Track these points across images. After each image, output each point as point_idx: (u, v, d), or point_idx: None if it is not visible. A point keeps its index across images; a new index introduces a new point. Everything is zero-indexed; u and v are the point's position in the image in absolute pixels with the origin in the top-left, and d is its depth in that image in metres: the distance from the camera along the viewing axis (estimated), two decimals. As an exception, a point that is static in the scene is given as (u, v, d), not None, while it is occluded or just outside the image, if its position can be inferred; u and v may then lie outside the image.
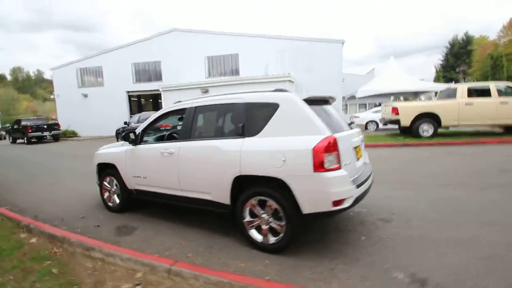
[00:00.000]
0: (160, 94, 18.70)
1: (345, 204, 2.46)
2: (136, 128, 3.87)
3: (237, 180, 2.81)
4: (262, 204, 2.74)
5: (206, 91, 16.09)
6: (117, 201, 4.16)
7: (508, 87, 9.22)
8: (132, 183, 3.85)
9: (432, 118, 9.71)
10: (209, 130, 3.35)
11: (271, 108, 2.76)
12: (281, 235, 2.65)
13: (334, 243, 2.92)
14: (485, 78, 41.58)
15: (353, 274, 2.34)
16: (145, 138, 3.94)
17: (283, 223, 2.62)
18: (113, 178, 4.15)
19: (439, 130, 9.92)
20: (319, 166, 2.38)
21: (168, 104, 16.91)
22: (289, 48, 18.03)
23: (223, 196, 2.95)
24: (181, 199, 3.34)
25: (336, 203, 2.41)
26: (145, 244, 3.08)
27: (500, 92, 9.09)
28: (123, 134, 3.78)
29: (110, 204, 4.25)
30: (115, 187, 4.17)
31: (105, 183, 4.28)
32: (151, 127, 3.87)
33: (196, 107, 3.31)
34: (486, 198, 3.97)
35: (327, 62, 17.26)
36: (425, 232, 3.06)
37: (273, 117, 2.71)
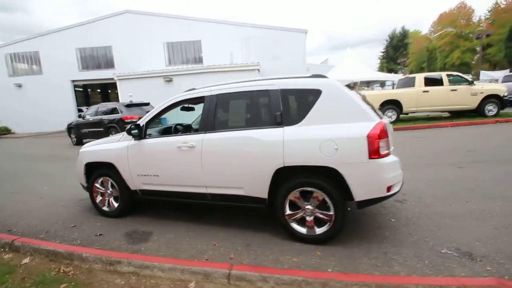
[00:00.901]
0: (111, 84, 16.95)
1: (396, 189, 2.50)
2: (136, 121, 3.38)
3: (277, 172, 2.64)
4: (305, 195, 2.64)
5: (170, 80, 15.07)
6: (115, 204, 3.63)
7: (457, 76, 10.48)
8: (137, 183, 3.38)
9: (394, 104, 10.61)
10: (238, 120, 3.07)
11: (312, 95, 2.63)
12: (329, 225, 2.59)
13: (369, 228, 2.97)
14: (420, 69, 47.02)
15: (407, 255, 2.41)
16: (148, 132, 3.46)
17: (331, 213, 2.56)
18: (108, 178, 3.60)
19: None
20: (374, 153, 2.35)
21: (124, 94, 15.48)
22: (253, 36, 17.77)
23: (260, 190, 2.76)
24: (205, 197, 3.05)
25: (389, 188, 2.43)
26: (173, 249, 2.75)
27: (450, 81, 10.29)
28: (128, 127, 3.27)
29: (105, 208, 3.70)
30: (110, 189, 3.63)
31: (97, 185, 3.69)
32: (156, 119, 3.41)
33: (217, 94, 3.00)
34: (470, 175, 4.46)
35: (292, 51, 17.48)
36: (442, 209, 3.30)
37: (316, 104, 2.59)
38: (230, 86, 3.00)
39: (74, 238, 3.13)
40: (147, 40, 18.03)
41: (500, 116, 9.90)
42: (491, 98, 9.94)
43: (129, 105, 10.51)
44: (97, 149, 3.67)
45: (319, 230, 2.63)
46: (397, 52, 60.39)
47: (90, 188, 3.74)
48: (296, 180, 2.63)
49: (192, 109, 4.13)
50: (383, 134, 2.39)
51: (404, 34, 61.69)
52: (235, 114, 3.13)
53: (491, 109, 10.05)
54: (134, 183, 3.40)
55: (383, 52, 65.93)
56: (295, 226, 2.71)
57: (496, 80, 16.48)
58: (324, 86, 2.60)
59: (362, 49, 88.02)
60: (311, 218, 2.65)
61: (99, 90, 25.75)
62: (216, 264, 2.30)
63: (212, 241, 2.87)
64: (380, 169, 2.38)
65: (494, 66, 36.73)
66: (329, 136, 2.46)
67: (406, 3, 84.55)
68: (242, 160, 2.76)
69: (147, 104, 11.30)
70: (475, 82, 10.67)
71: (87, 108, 20.21)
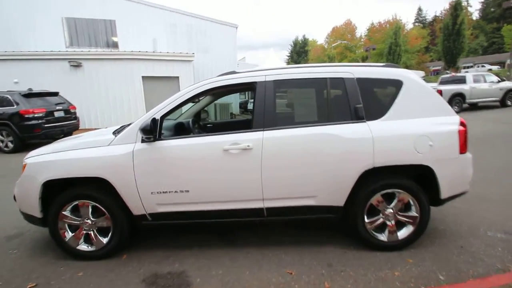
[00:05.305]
0: None
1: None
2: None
3: (362, 174, 2.27)
4: (387, 198, 2.38)
5: (78, 65, 11.99)
6: (103, 240, 2.42)
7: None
8: (148, 205, 2.34)
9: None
10: (306, 114, 2.48)
11: (393, 86, 2.37)
12: (411, 228, 2.40)
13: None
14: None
15: (479, 245, 2.47)
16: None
17: (415, 215, 2.38)
18: (88, 202, 2.36)
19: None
20: (463, 147, 2.30)
21: (4, 80, 11.42)
22: (180, 24, 16.16)
23: (338, 197, 2.32)
24: (260, 213, 2.37)
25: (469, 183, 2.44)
26: (242, 292, 1.99)
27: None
28: (143, 124, 2.17)
29: (83, 248, 2.43)
30: (92, 218, 2.40)
31: (66, 214, 2.38)
32: (173, 112, 2.43)
33: (274, 81, 2.35)
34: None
35: (223, 45, 16.82)
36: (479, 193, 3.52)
37: (398, 97, 2.33)
38: (290, 71, 2.40)
39: (53, 308, 1.89)
40: (37, 11, 13.74)
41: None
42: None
43: (29, 95, 7.69)
44: (68, 157, 2.34)
45: (401, 235, 2.41)
46: (299, 57, 67.70)
47: (53, 219, 2.37)
48: (381, 182, 2.32)
49: (197, 101, 3.22)
50: (466, 129, 2.36)
51: (305, 42, 69.74)
52: (301, 106, 2.55)
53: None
54: (144, 204, 2.33)
55: (288, 56, 72.78)
56: (375, 233, 2.41)
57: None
58: (405, 77, 2.37)
59: (269, 51, 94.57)
60: (393, 222, 2.41)
61: None
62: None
63: (282, 268, 2.25)
64: (467, 164, 2.35)
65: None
66: (422, 131, 2.25)
67: (304, 14, 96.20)
68: (318, 163, 2.25)
69: (55, 94, 8.61)
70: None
71: None
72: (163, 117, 2.35)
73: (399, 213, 2.39)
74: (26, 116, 7.36)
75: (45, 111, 7.74)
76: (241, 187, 2.29)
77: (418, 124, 2.28)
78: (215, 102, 12.25)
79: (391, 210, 2.38)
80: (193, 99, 2.42)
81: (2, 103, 7.46)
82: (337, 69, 2.38)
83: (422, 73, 2.60)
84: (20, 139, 7.46)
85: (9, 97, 7.46)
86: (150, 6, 15.49)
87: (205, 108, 3.71)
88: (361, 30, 70.65)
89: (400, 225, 2.43)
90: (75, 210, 2.40)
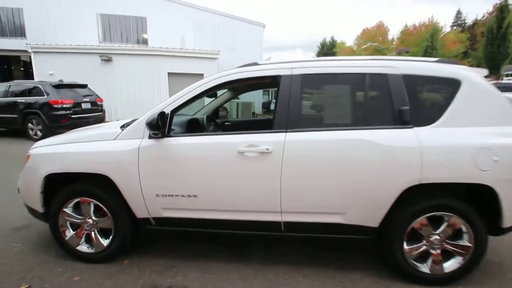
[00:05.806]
0: (15, 58, 12.98)
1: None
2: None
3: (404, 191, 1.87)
4: (433, 222, 1.95)
5: (109, 60, 12.34)
6: (104, 242, 2.22)
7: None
8: (152, 208, 2.10)
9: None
10: (338, 115, 2.13)
11: (449, 86, 1.94)
12: (461, 259, 1.96)
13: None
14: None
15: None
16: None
17: (467, 244, 1.93)
18: (90, 200, 2.17)
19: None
20: (538, 166, 1.82)
21: (41, 72, 12.04)
22: (208, 22, 16.21)
23: (371, 215, 1.94)
24: (276, 228, 2.04)
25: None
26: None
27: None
28: (149, 118, 1.93)
29: (83, 248, 2.25)
30: (94, 217, 2.21)
31: (67, 211, 2.21)
32: (187, 106, 2.18)
33: (303, 75, 2.01)
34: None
35: (249, 44, 16.64)
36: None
37: (455, 99, 1.90)
38: (320, 64, 2.05)
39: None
40: (74, 8, 14.41)
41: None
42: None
43: (59, 86, 7.93)
44: (71, 150, 2.17)
45: (448, 267, 1.97)
46: (327, 59, 66.06)
47: (53, 216, 2.21)
48: (428, 201, 1.91)
49: (215, 95, 2.96)
50: (542, 143, 1.87)
51: (333, 44, 68.01)
52: (332, 105, 2.20)
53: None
54: (147, 207, 2.10)
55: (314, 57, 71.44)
56: (416, 263, 1.99)
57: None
58: (464, 76, 1.93)
59: (296, 52, 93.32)
60: (438, 251, 1.97)
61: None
62: None
63: (299, 295, 1.91)
64: (541, 187, 1.87)
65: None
66: (485, 143, 1.81)
67: (333, 15, 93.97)
68: (350, 173, 1.88)
69: (84, 86, 8.82)
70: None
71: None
72: (174, 111, 2.10)
73: (448, 241, 1.96)
74: (55, 106, 7.57)
75: (73, 102, 7.93)
76: (255, 197, 1.98)
77: (479, 134, 1.84)
78: (237, 100, 12.07)
79: (438, 237, 1.95)
80: (209, 92, 2.15)
81: (34, 93, 7.75)
82: (378, 62, 1.99)
83: (485, 71, 2.13)
84: (48, 128, 7.69)
85: (41, 87, 7.72)
86: (180, 4, 15.68)
87: (225, 105, 3.45)
88: (394, 33, 67.42)
89: (446, 254, 1.99)
90: (77, 208, 2.23)
